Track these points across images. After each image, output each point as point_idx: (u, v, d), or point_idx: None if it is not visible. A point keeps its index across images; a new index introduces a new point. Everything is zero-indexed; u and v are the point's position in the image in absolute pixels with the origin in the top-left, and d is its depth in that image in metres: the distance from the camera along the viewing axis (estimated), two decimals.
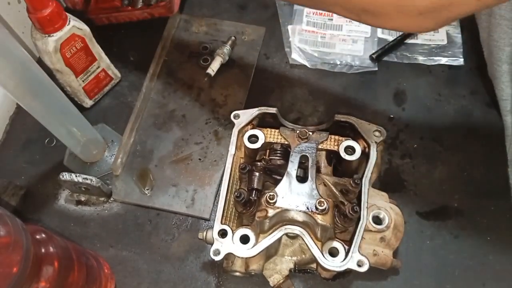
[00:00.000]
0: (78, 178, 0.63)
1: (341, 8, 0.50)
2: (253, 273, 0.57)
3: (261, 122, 0.61)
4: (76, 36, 0.64)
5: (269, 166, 0.57)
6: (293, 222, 0.52)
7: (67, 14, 0.63)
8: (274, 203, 0.52)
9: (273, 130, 0.59)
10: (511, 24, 0.58)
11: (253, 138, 0.58)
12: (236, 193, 0.54)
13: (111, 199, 0.68)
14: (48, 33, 0.61)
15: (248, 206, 0.55)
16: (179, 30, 0.82)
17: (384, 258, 0.55)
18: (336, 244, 0.52)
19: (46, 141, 0.72)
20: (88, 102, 0.74)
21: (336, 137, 0.58)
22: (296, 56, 0.78)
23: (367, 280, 0.61)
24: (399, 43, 0.77)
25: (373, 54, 0.76)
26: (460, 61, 0.76)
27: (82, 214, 0.67)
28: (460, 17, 0.47)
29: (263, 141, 0.57)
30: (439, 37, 0.78)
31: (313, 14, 0.81)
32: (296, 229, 0.52)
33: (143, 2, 0.79)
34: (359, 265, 0.50)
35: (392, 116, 0.73)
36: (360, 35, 0.79)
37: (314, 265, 0.58)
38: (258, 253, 0.52)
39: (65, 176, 0.62)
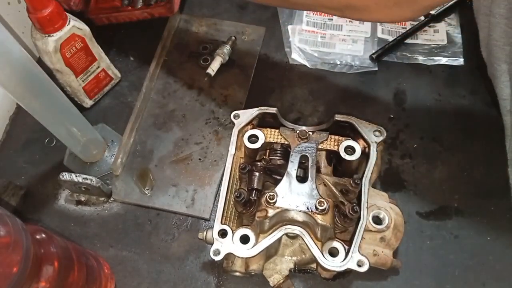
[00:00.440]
0: (78, 178, 0.63)
1: (324, 7, 0.52)
2: (253, 273, 0.57)
3: (261, 122, 0.61)
4: (76, 36, 0.64)
5: (269, 166, 0.57)
6: (293, 222, 0.52)
7: (67, 14, 0.63)
8: (274, 203, 0.52)
9: (273, 130, 0.59)
10: (511, 23, 0.58)
11: (253, 138, 0.58)
12: (236, 193, 0.54)
13: (111, 199, 0.68)
14: (48, 33, 0.62)
15: (248, 206, 0.55)
16: (179, 30, 0.82)
17: (384, 258, 0.55)
18: (336, 244, 0.52)
19: (46, 141, 0.72)
20: (88, 102, 0.74)
21: (336, 137, 0.58)
22: (296, 56, 0.78)
23: (367, 280, 0.61)
24: (399, 43, 0.77)
25: (373, 54, 0.76)
26: (460, 61, 0.76)
27: (82, 214, 0.67)
28: (437, 5, 0.49)
29: (263, 141, 0.57)
30: (439, 37, 0.78)
31: (313, 14, 0.81)
32: (296, 229, 0.52)
33: (143, 2, 0.79)
34: (359, 265, 0.50)
35: (392, 116, 0.73)
36: (360, 35, 0.79)
37: (314, 265, 0.58)
38: (258, 253, 0.52)
39: (65, 176, 0.62)
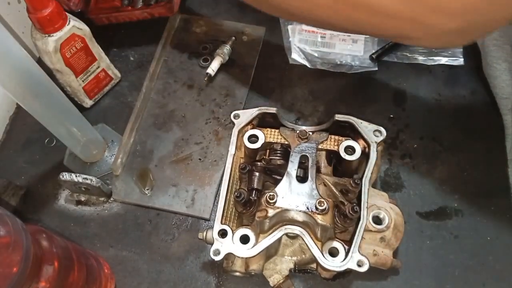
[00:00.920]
0: (78, 178, 0.63)
1: (376, 35, 0.55)
2: (253, 273, 0.57)
3: (261, 122, 0.61)
4: (76, 36, 0.64)
5: (269, 166, 0.57)
6: (293, 222, 0.52)
7: (67, 14, 0.63)
8: (274, 203, 0.52)
9: (273, 130, 0.59)
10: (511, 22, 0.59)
11: (253, 138, 0.58)
12: (236, 193, 0.54)
13: (111, 199, 0.68)
14: (48, 33, 0.62)
15: (248, 206, 0.55)
16: (179, 30, 0.82)
17: (384, 258, 0.55)
18: (336, 244, 0.52)
19: (46, 141, 0.72)
20: (88, 102, 0.74)
21: (336, 137, 0.58)
22: (296, 56, 0.78)
23: (367, 280, 0.61)
24: (399, 43, 0.77)
25: (373, 54, 0.76)
26: (460, 61, 0.76)
27: (82, 214, 0.67)
28: (489, 34, 0.49)
29: (263, 141, 0.57)
30: None
31: None
32: (296, 229, 0.52)
33: (143, 2, 0.79)
34: (359, 265, 0.50)
35: (392, 116, 0.73)
36: (360, 35, 0.79)
37: (314, 265, 0.58)
38: (258, 253, 0.52)
39: (65, 176, 0.62)
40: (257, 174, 0.56)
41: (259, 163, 0.57)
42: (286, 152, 0.57)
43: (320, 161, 0.59)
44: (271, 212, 0.52)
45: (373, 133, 0.57)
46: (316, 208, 0.51)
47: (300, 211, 0.52)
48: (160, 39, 0.79)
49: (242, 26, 0.82)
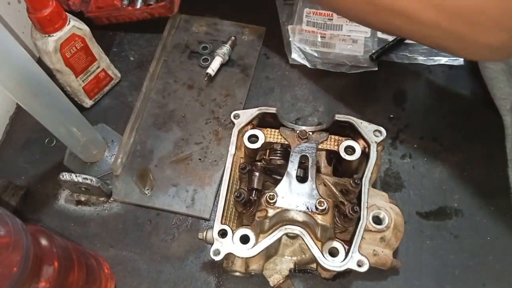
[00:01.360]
0: (78, 178, 0.63)
1: (416, 41, 0.57)
2: (253, 273, 0.57)
3: (261, 122, 0.61)
4: (76, 36, 0.64)
5: (269, 166, 0.57)
6: (293, 222, 0.52)
7: (67, 14, 0.63)
8: (274, 203, 0.52)
9: (273, 130, 0.59)
10: None
11: (253, 138, 0.58)
12: (236, 193, 0.54)
13: (111, 199, 0.68)
14: (48, 33, 0.61)
15: (248, 206, 0.55)
16: (179, 30, 0.82)
17: (384, 258, 0.55)
18: (336, 244, 0.52)
19: (46, 141, 0.72)
20: (88, 102, 0.74)
21: (336, 137, 0.58)
22: (296, 56, 0.78)
23: (367, 280, 0.61)
24: (399, 43, 0.77)
25: (373, 54, 0.76)
26: (460, 61, 0.76)
27: (82, 214, 0.67)
28: None
29: (263, 141, 0.57)
30: None
31: (313, 14, 0.81)
32: (296, 229, 0.52)
33: (143, 2, 0.79)
34: (359, 265, 0.50)
35: (392, 116, 0.73)
36: (360, 35, 0.79)
37: (314, 265, 0.58)
38: (258, 253, 0.52)
39: (65, 176, 0.62)
40: (257, 174, 0.56)
41: (259, 163, 0.57)
42: (286, 152, 0.57)
43: (320, 161, 0.59)
44: (271, 212, 0.52)
45: (373, 133, 0.57)
46: (316, 208, 0.51)
47: (300, 211, 0.52)
48: (160, 39, 0.79)
49: (242, 26, 0.82)
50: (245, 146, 0.58)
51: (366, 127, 0.57)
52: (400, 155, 0.70)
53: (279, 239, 0.53)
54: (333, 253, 0.52)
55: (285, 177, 0.54)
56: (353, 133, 0.58)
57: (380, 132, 0.57)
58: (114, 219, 0.67)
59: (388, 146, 0.70)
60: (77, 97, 0.73)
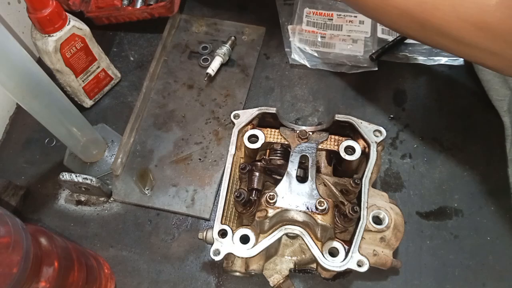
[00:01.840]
0: (78, 178, 0.63)
1: (460, 57, 0.59)
2: (253, 273, 0.57)
3: (261, 122, 0.61)
4: (76, 36, 0.64)
5: (269, 166, 0.57)
6: (293, 222, 0.52)
7: (67, 14, 0.63)
8: (274, 203, 0.52)
9: (273, 130, 0.59)
10: None
11: (253, 138, 0.58)
12: (236, 193, 0.54)
13: (111, 199, 0.68)
14: (48, 33, 0.62)
15: (248, 206, 0.55)
16: (179, 30, 0.82)
17: (384, 258, 0.55)
18: (336, 244, 0.52)
19: (46, 141, 0.72)
20: (88, 102, 0.74)
21: (336, 137, 0.58)
22: (296, 56, 0.78)
23: (367, 280, 0.61)
24: (399, 43, 0.77)
25: (373, 54, 0.76)
26: (460, 61, 0.76)
27: (82, 214, 0.67)
28: None
29: (263, 141, 0.57)
30: None
31: (313, 14, 0.81)
32: (296, 229, 0.52)
33: (143, 2, 0.79)
34: (359, 265, 0.50)
35: (392, 116, 0.73)
36: (360, 35, 0.79)
37: (314, 265, 0.58)
38: (258, 253, 0.52)
39: (65, 176, 0.62)
40: (257, 174, 0.56)
41: (259, 163, 0.57)
42: (286, 152, 0.57)
43: (320, 161, 0.59)
44: (271, 212, 0.52)
45: (373, 133, 0.57)
46: (316, 208, 0.51)
47: (300, 211, 0.52)
48: (160, 39, 0.79)
49: (242, 26, 0.82)
50: (245, 146, 0.58)
51: (366, 127, 0.57)
52: (400, 155, 0.70)
53: (279, 239, 0.53)
54: (333, 253, 0.52)
55: (285, 177, 0.54)
56: (353, 133, 0.58)
57: (380, 132, 0.57)
58: (114, 219, 0.67)
59: (388, 146, 0.70)
60: (77, 97, 0.73)
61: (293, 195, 0.53)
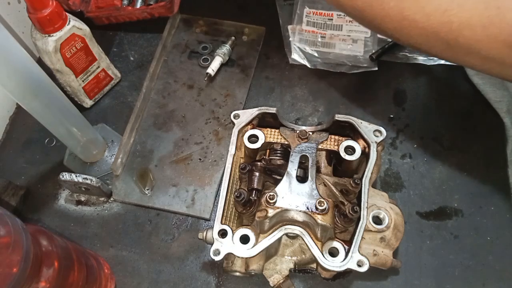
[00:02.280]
0: (78, 178, 0.63)
1: (487, 74, 0.56)
2: (253, 273, 0.57)
3: (261, 122, 0.61)
4: (76, 36, 0.64)
5: (269, 166, 0.57)
6: (293, 222, 0.52)
7: (67, 14, 0.63)
8: (274, 203, 0.52)
9: (273, 130, 0.59)
10: None
11: (253, 138, 0.58)
12: (236, 193, 0.54)
13: (111, 199, 0.68)
14: (48, 33, 0.62)
15: (248, 206, 0.55)
16: (179, 30, 0.82)
17: (384, 258, 0.55)
18: (336, 244, 0.52)
19: (46, 141, 0.72)
20: (88, 102, 0.74)
21: (336, 137, 0.58)
22: (296, 56, 0.78)
23: (367, 280, 0.61)
24: (399, 44, 0.77)
25: (373, 54, 0.76)
26: None
27: (82, 214, 0.67)
28: None
29: (263, 141, 0.57)
30: None
31: (313, 14, 0.81)
32: (296, 229, 0.52)
33: (143, 2, 0.79)
34: (359, 265, 0.50)
35: (392, 116, 0.73)
36: (360, 35, 0.79)
37: (314, 265, 0.58)
38: (258, 253, 0.52)
39: (65, 176, 0.62)
40: (257, 174, 0.56)
41: (259, 163, 0.57)
42: (286, 152, 0.57)
43: (320, 161, 0.59)
44: (271, 212, 0.52)
45: (373, 133, 0.57)
46: (316, 208, 0.51)
47: (300, 211, 0.52)
48: (160, 39, 0.79)
49: (242, 26, 0.82)
50: (245, 146, 0.58)
51: (366, 127, 0.57)
52: (400, 155, 0.70)
53: (279, 239, 0.53)
54: (333, 253, 0.52)
55: (285, 177, 0.54)
56: (353, 133, 0.58)
57: (380, 132, 0.57)
58: (114, 219, 0.67)
59: (388, 146, 0.70)
60: (77, 97, 0.73)
61: (293, 195, 0.53)
